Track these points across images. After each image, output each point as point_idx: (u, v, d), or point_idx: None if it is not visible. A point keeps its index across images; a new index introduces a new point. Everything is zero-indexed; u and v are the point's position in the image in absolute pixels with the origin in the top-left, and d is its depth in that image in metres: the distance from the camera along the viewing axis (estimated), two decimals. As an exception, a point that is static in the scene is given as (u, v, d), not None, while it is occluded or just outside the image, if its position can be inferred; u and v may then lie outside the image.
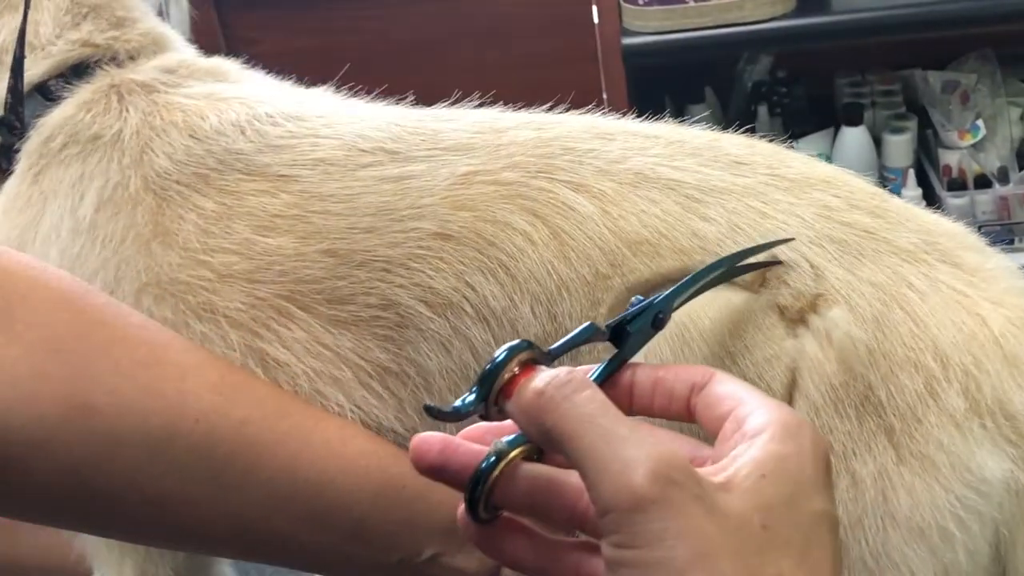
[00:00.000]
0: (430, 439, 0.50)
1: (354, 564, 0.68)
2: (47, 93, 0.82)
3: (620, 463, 0.42)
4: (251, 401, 0.65)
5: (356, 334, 0.69)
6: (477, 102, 0.77)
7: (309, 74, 0.87)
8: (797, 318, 0.60)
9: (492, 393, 0.46)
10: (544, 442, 0.45)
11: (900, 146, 2.08)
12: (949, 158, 2.06)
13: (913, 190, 2.05)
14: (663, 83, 2.09)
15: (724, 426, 0.47)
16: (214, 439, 0.62)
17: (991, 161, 2.05)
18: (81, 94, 0.81)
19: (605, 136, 0.68)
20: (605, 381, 0.50)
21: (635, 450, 0.42)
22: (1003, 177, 2.03)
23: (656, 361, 0.61)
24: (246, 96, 0.79)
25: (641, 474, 0.41)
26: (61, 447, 0.58)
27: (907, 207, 0.65)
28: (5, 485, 0.59)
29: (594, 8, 1.99)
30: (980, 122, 2.04)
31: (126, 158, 0.76)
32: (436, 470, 0.50)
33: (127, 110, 0.79)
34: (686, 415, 0.49)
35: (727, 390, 0.48)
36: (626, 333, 0.51)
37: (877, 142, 2.10)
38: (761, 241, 0.61)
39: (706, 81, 2.19)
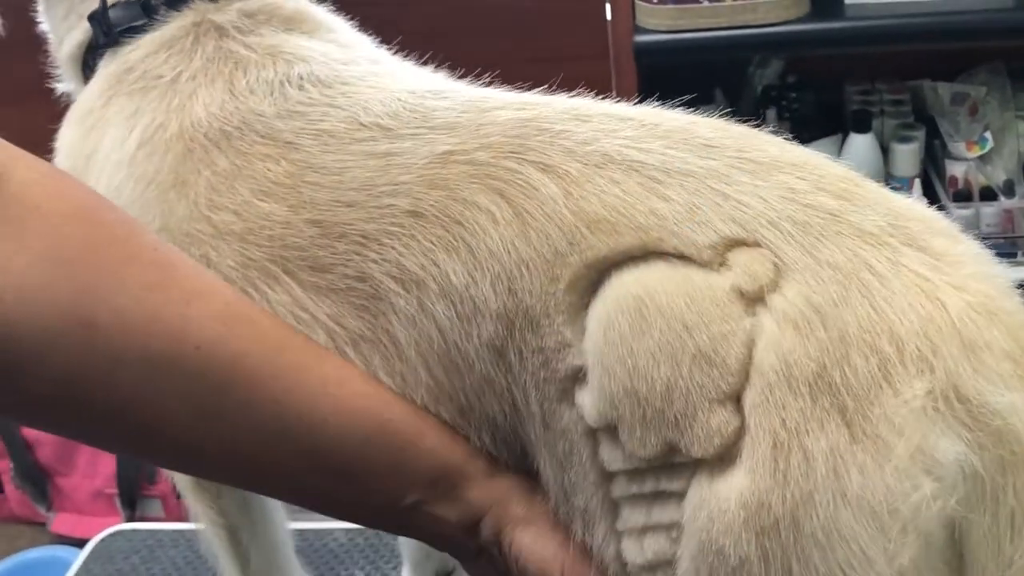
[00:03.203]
0: None
1: (338, 502, 0.70)
2: (147, 7, 0.87)
3: None
4: (253, 333, 0.66)
5: (334, 302, 0.71)
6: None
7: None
8: (755, 297, 0.60)
9: None
10: None
11: (907, 155, 2.08)
12: (956, 169, 2.07)
13: (918, 200, 2.05)
14: (673, 82, 2.08)
15: None
16: (211, 368, 0.63)
17: (997, 174, 2.05)
18: (167, 29, 0.85)
19: (581, 118, 0.69)
20: None
21: None
22: (1009, 190, 2.03)
23: (615, 335, 0.62)
24: (296, 53, 0.81)
25: None
26: (61, 358, 0.59)
27: (880, 191, 0.65)
28: (2, 390, 0.60)
29: (607, 5, 1.99)
30: (988, 134, 2.05)
31: (176, 100, 0.80)
32: None
33: (195, 52, 0.82)
34: None
35: None
36: None
37: (884, 151, 2.10)
38: (719, 221, 0.62)
39: (716, 82, 2.19)
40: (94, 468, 2.32)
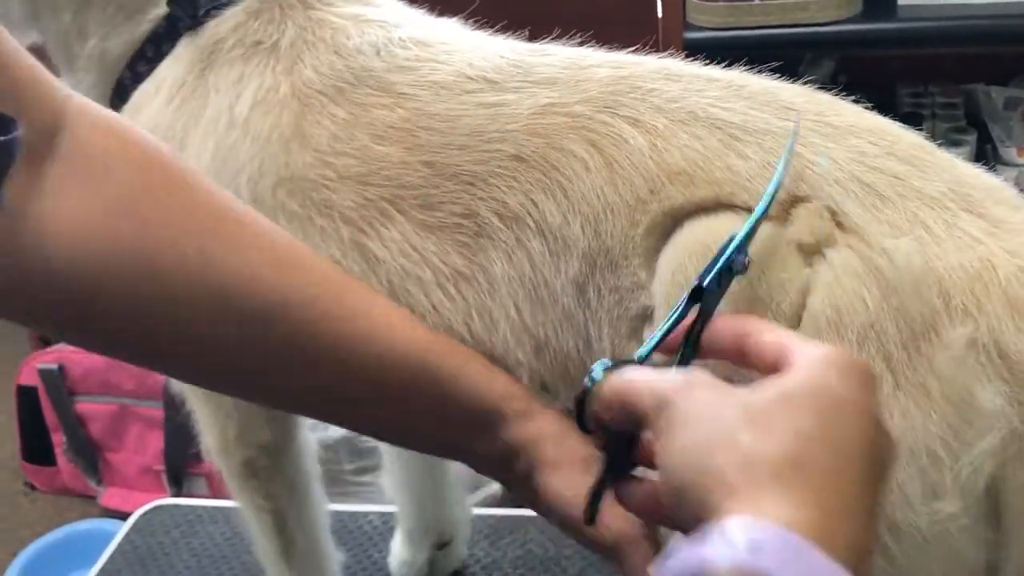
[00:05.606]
0: None
1: (386, 430, 0.79)
2: None
3: (652, 379, 0.56)
4: (316, 278, 0.72)
5: (440, 239, 0.77)
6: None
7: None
8: (814, 250, 0.64)
9: (587, 412, 0.62)
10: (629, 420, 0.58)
11: (957, 159, 2.06)
12: (1007, 174, 2.04)
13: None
14: (722, 81, 2.09)
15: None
16: (276, 311, 0.69)
17: (1049, 180, 2.03)
18: (248, 3, 0.90)
19: (672, 77, 0.73)
20: (695, 337, 0.61)
21: (668, 373, 0.56)
22: (1060, 197, 2.01)
23: (681, 278, 0.66)
24: (386, 20, 0.88)
25: (669, 380, 0.54)
26: (127, 297, 0.65)
27: (952, 161, 0.68)
28: (69, 318, 0.67)
29: (659, 2, 1.99)
30: (1040, 140, 2.03)
31: (280, 65, 0.86)
32: None
33: (286, 23, 0.88)
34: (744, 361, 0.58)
35: (773, 338, 0.56)
36: (704, 292, 0.60)
37: (934, 154, 2.08)
38: (788, 179, 0.66)
39: (766, 81, 2.19)
40: (143, 445, 2.37)
